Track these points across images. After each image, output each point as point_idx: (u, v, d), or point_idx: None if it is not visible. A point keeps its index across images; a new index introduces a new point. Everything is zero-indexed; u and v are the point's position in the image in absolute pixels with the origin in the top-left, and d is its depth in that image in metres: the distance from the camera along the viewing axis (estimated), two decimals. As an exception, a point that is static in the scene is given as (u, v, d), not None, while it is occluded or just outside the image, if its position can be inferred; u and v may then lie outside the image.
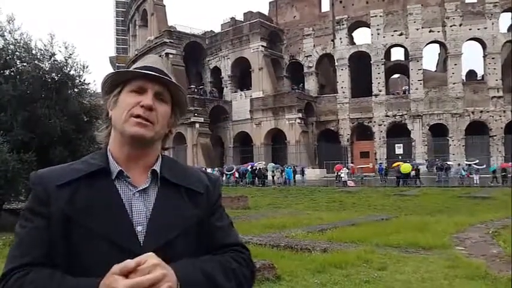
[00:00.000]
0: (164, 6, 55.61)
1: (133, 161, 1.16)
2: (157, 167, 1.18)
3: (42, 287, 0.99)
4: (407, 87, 48.11)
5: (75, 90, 13.73)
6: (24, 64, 12.61)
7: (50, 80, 12.96)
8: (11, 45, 12.70)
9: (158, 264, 0.96)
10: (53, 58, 13.10)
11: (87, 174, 1.11)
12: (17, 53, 12.73)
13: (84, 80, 13.77)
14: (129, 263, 0.93)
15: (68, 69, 13.24)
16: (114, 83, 1.19)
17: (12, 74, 12.66)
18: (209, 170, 35.49)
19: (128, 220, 1.08)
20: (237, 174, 36.97)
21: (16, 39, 12.74)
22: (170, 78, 1.19)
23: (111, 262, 0.97)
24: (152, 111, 1.13)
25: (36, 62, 12.65)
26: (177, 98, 1.23)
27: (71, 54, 13.21)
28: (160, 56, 47.85)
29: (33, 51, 12.89)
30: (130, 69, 1.18)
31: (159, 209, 1.12)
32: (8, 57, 12.55)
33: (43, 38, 13.84)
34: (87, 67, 13.54)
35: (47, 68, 13.00)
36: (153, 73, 1.14)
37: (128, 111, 1.12)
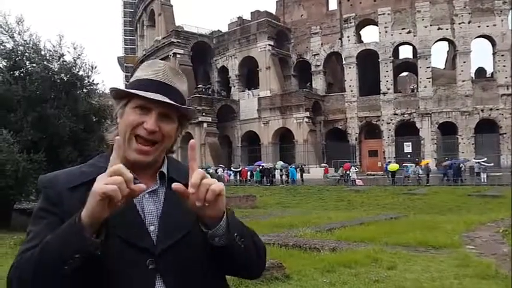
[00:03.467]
0: (171, 6, 55.82)
1: (138, 169, 1.17)
2: (164, 169, 1.20)
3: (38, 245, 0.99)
4: (415, 85, 47.81)
5: (84, 90, 13.83)
6: (34, 65, 12.72)
7: (59, 81, 13.07)
8: (20, 47, 12.82)
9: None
10: (61, 59, 13.22)
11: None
12: (26, 54, 12.84)
13: (92, 81, 13.90)
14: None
15: (77, 69, 13.35)
16: (120, 94, 1.18)
17: (21, 75, 12.78)
18: (220, 170, 35.91)
19: (140, 220, 1.11)
20: (249, 174, 37.03)
21: (25, 41, 12.86)
22: (178, 91, 1.18)
23: (126, 261, 1.03)
24: (155, 133, 1.12)
25: (45, 62, 12.77)
26: (184, 113, 1.21)
27: (79, 54, 13.33)
28: (167, 56, 48.07)
29: (42, 52, 13.00)
30: (130, 90, 1.15)
31: (169, 208, 1.14)
32: (17, 58, 12.67)
33: (52, 39, 13.97)
34: (95, 67, 13.65)
35: (56, 69, 13.12)
36: (154, 97, 1.11)
37: (131, 130, 1.12)
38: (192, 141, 1.07)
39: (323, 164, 39.46)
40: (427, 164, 32.34)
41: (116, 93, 1.19)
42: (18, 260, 1.03)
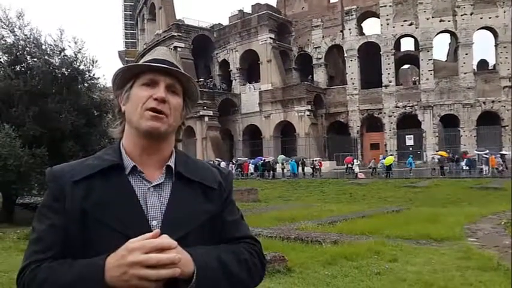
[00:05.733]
0: (172, -1, 55.59)
1: (147, 156, 1.17)
2: (171, 163, 1.19)
3: (55, 272, 1.02)
4: (417, 78, 47.63)
5: (85, 84, 13.83)
6: (35, 59, 12.71)
7: (60, 75, 13.07)
8: (21, 41, 12.81)
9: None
10: (62, 53, 13.20)
11: (102, 170, 1.12)
12: (27, 48, 12.83)
13: (93, 75, 13.88)
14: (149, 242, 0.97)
15: (78, 64, 13.34)
16: (125, 77, 1.19)
17: (23, 69, 12.78)
18: (223, 164, 35.94)
19: (142, 214, 1.10)
20: (251, 168, 37.11)
21: (26, 35, 12.84)
22: (180, 70, 1.19)
23: None
24: (165, 103, 1.14)
25: (46, 57, 12.75)
26: (188, 90, 1.23)
27: (80, 49, 13.30)
28: (169, 49, 47.87)
29: (43, 47, 12.99)
30: (141, 63, 1.18)
31: (173, 203, 1.13)
32: (18, 53, 12.66)
33: (52, 33, 13.93)
34: (96, 62, 13.64)
35: (57, 63, 13.11)
36: (164, 66, 1.15)
37: (142, 105, 1.13)
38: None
39: (316, 158, 38.50)
40: (445, 156, 32.16)
41: (121, 78, 1.20)
42: (27, 271, 1.05)
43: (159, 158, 1.18)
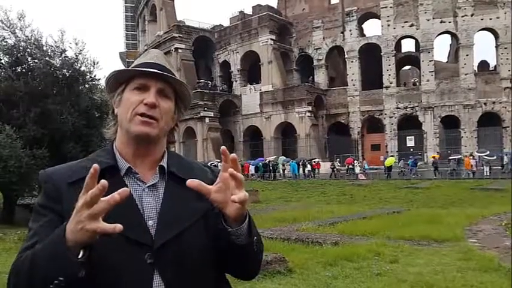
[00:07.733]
0: (173, 0, 55.68)
1: (140, 158, 1.19)
2: (164, 163, 1.21)
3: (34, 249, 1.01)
4: (418, 79, 47.63)
5: (86, 86, 13.86)
6: (36, 61, 12.74)
7: (61, 76, 13.09)
8: (22, 42, 12.82)
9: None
10: (63, 54, 13.24)
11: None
12: (28, 49, 12.85)
13: (94, 76, 13.92)
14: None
15: (79, 65, 13.37)
16: (117, 81, 1.21)
17: (23, 70, 12.80)
18: (220, 166, 35.95)
19: (139, 215, 1.11)
20: (252, 169, 37.10)
21: (27, 36, 12.86)
22: (172, 73, 1.20)
23: (124, 255, 1.04)
24: (155, 108, 1.15)
25: (47, 58, 12.78)
26: (181, 93, 1.24)
27: (81, 50, 13.34)
28: (169, 51, 48.01)
29: (44, 48, 13.01)
30: (131, 68, 1.19)
31: (168, 203, 1.15)
32: (19, 54, 12.68)
33: (54, 34, 13.98)
34: (97, 63, 13.67)
35: (58, 65, 13.13)
36: (154, 70, 1.16)
37: (133, 110, 1.15)
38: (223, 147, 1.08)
39: (316, 160, 38.03)
40: (436, 157, 32.45)
41: (114, 81, 1.21)
42: (17, 259, 1.04)
43: (151, 159, 1.20)
